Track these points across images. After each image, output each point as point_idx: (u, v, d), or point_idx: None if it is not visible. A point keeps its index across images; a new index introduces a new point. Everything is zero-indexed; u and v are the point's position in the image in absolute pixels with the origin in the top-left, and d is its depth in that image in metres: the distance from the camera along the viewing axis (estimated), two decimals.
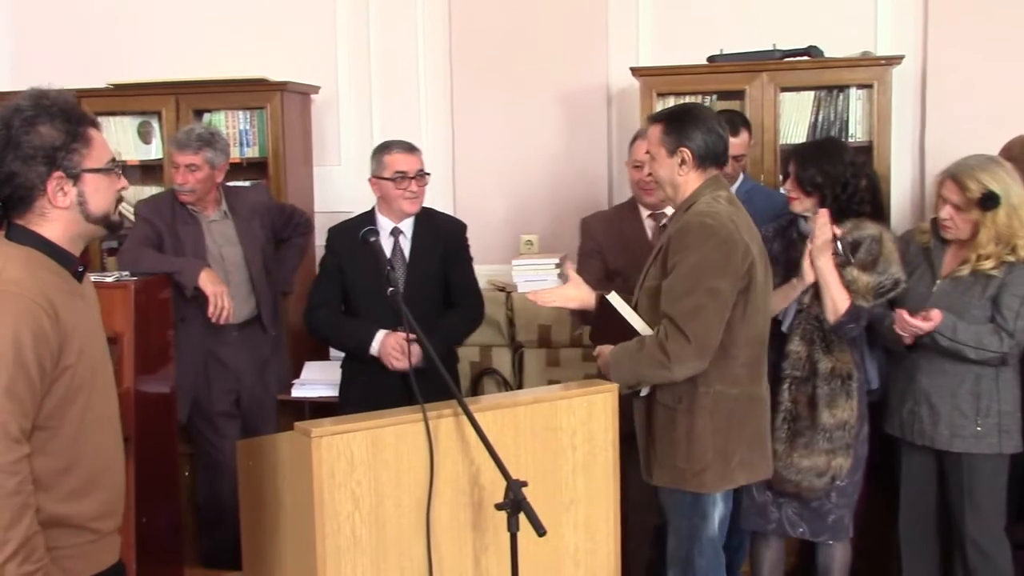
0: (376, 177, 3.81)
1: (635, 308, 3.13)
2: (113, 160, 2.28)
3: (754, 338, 3.07)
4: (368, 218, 3.85)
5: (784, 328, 3.43)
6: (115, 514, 2.36)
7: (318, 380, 4.52)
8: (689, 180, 3.06)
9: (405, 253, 3.83)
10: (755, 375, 3.12)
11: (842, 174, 3.40)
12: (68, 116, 2.19)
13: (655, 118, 3.19)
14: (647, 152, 3.20)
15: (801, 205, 3.44)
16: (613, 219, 3.94)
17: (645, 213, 3.84)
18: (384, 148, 3.85)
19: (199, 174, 4.22)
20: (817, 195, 3.40)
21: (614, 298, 3.11)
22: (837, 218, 3.38)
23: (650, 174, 3.23)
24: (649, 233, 3.78)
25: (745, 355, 3.05)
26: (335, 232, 3.90)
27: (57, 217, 2.20)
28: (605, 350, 3.13)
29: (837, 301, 3.32)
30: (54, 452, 2.17)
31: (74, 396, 2.18)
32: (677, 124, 3.07)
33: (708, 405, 3.01)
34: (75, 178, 2.19)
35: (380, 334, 3.70)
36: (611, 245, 3.81)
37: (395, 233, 3.84)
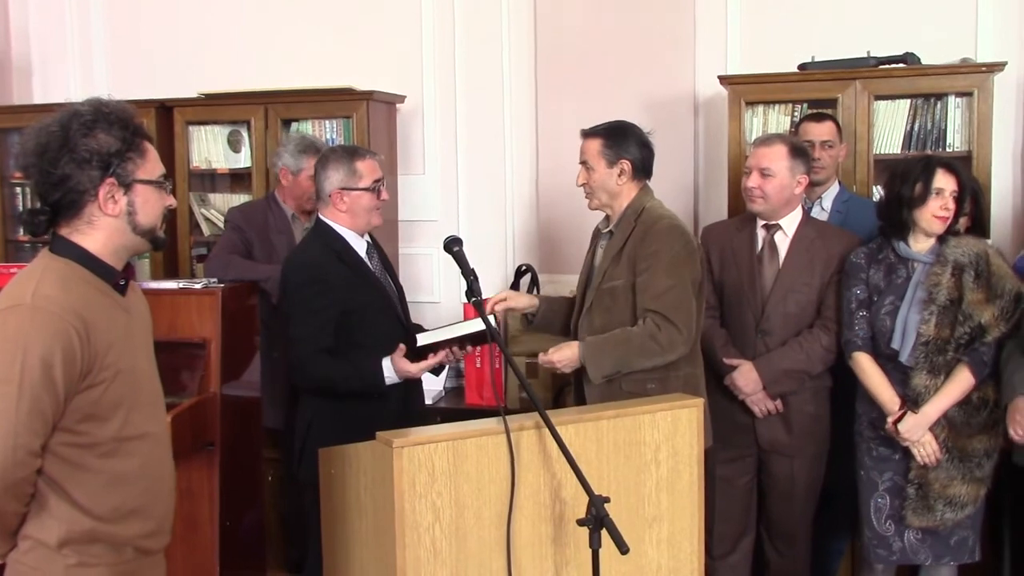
0: (345, 188, 3.32)
1: (589, 308, 3.33)
2: (164, 176, 2.28)
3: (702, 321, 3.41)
4: (336, 236, 3.34)
5: (904, 359, 3.28)
6: (162, 533, 2.35)
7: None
8: (625, 190, 3.34)
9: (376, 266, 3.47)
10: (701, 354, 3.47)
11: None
12: (125, 125, 2.20)
13: (592, 133, 3.39)
14: (583, 162, 3.38)
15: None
16: (728, 229, 3.78)
17: (759, 223, 3.65)
18: (353, 153, 3.38)
19: None
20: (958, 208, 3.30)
21: (425, 337, 3.25)
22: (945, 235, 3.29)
23: (584, 183, 3.39)
24: (759, 244, 3.62)
25: (698, 337, 3.38)
26: (321, 261, 3.30)
27: (104, 226, 2.19)
28: (568, 350, 3.23)
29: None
30: (93, 468, 2.16)
31: (109, 412, 2.17)
32: (617, 138, 3.34)
33: (681, 387, 3.24)
34: (127, 187, 2.19)
35: (388, 362, 3.22)
36: (718, 256, 3.70)
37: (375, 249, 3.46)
